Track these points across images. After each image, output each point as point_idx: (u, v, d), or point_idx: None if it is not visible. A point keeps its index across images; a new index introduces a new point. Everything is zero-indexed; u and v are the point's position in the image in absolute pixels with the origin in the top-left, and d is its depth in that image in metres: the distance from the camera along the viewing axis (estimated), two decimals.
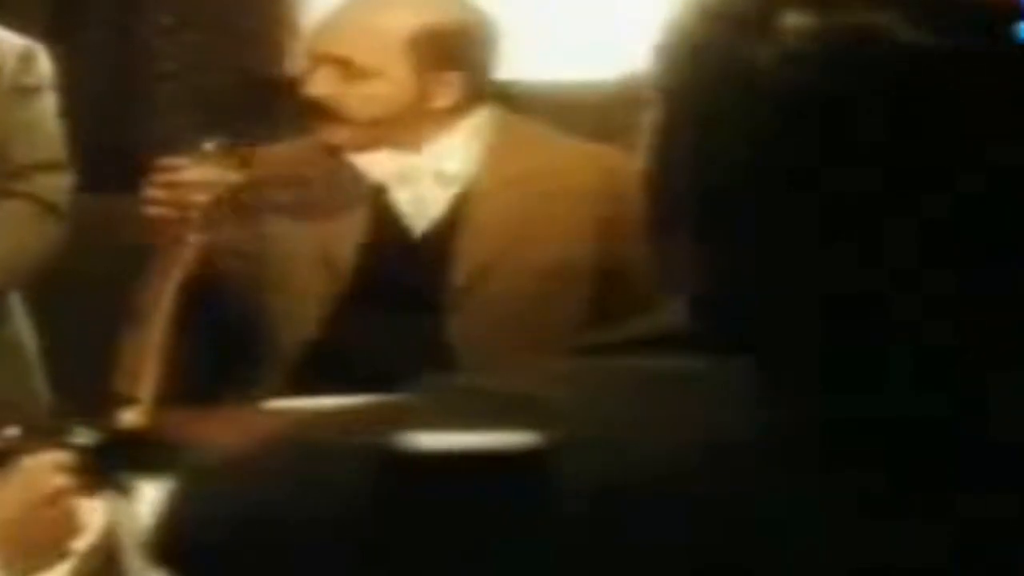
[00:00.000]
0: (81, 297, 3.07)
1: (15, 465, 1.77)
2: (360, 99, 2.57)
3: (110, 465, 1.85)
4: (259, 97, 3.25)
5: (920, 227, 0.87)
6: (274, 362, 2.57)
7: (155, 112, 3.35)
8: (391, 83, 2.59)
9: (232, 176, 2.39)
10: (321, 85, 2.57)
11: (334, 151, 2.61)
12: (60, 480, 1.73)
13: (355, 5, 2.65)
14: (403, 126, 2.60)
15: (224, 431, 2.01)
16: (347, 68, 2.57)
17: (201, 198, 2.37)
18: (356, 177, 2.63)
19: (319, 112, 2.58)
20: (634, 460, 0.84)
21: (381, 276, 2.59)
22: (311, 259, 2.59)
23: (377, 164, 2.62)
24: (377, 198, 2.62)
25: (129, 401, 1.98)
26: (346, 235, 2.60)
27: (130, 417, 1.95)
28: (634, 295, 2.54)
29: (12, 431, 1.90)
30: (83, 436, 2.04)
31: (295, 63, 3.37)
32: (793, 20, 0.88)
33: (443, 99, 2.61)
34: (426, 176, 2.62)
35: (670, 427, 0.85)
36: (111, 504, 1.79)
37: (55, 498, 1.72)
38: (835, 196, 0.87)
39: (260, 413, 2.41)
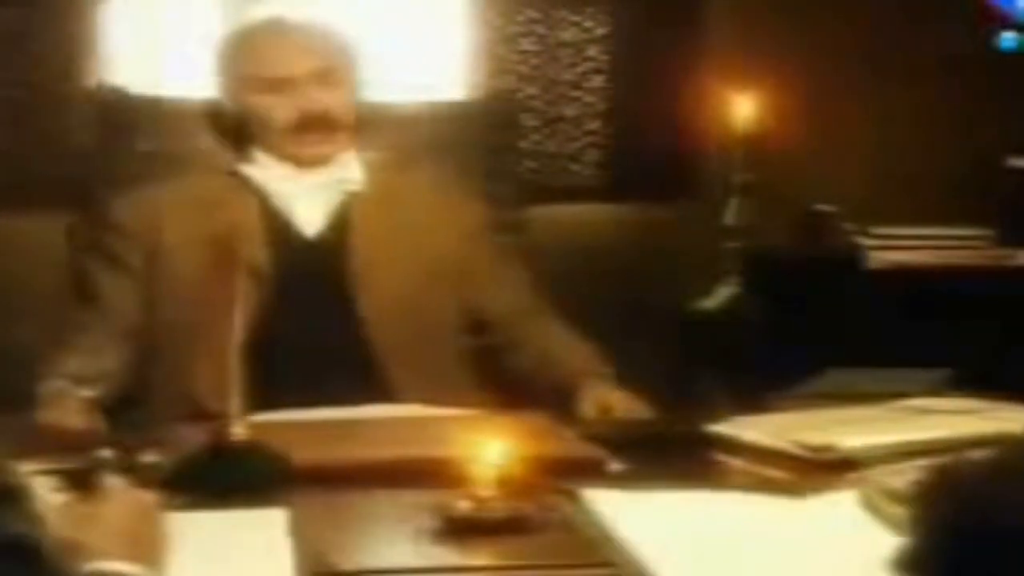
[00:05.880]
0: None
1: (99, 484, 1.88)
2: (344, 105, 2.96)
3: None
4: (54, 112, 3.44)
5: None
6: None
7: None
8: (355, 89, 2.99)
9: None
10: (314, 99, 2.91)
11: (320, 160, 2.96)
12: (151, 496, 1.83)
13: (291, 23, 3.00)
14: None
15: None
16: (329, 77, 2.93)
17: None
18: (249, 190, 2.98)
19: (308, 126, 2.91)
20: None
21: (290, 274, 2.92)
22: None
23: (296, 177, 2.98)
24: (268, 207, 2.97)
25: (224, 417, 2.25)
26: (255, 243, 2.91)
27: (239, 431, 2.25)
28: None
29: (105, 452, 2.20)
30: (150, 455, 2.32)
31: (92, 79, 3.59)
32: None
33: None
34: (328, 184, 3.00)
35: None
36: None
37: (154, 510, 1.81)
38: None
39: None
